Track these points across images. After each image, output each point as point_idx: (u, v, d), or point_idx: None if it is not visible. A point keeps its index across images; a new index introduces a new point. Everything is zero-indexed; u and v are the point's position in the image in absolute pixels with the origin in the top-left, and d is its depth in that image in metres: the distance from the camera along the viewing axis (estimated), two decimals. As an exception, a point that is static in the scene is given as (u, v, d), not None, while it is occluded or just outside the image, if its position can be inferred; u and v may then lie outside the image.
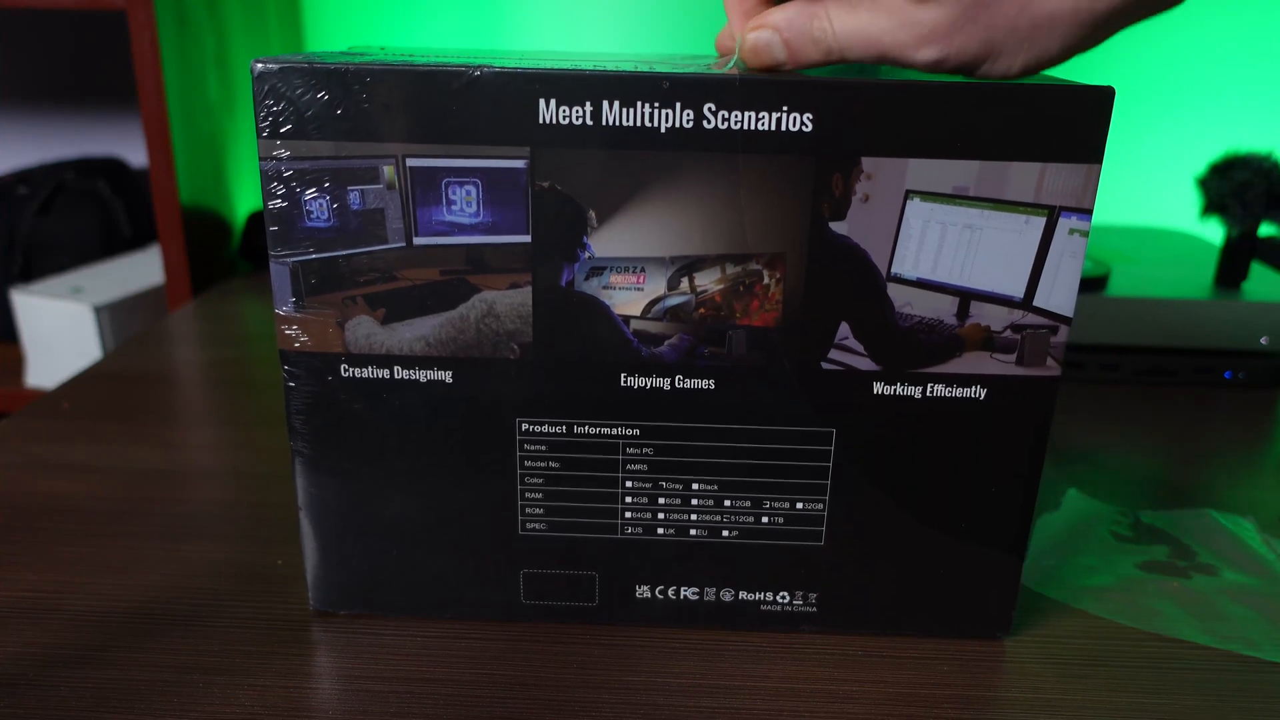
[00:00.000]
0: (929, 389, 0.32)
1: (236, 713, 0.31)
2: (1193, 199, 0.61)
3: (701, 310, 0.31)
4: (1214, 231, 0.69)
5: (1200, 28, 0.82)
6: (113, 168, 0.97)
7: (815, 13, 0.29)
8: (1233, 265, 0.61)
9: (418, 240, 0.30)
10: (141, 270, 0.89)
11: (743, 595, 0.35)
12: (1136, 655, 0.35)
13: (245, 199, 0.87)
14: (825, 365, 0.32)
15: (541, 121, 0.29)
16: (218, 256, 0.83)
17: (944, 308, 0.31)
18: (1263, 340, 0.60)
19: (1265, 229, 0.60)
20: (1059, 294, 0.31)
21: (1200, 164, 0.61)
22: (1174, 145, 0.85)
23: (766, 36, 0.30)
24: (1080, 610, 0.38)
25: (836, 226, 0.30)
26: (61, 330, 0.83)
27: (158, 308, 0.87)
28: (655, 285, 0.31)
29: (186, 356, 0.65)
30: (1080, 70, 0.32)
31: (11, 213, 0.91)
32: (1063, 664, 0.35)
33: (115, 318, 0.83)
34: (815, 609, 0.35)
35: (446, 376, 0.32)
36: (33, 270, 0.91)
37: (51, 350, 0.84)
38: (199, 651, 0.34)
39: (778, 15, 0.30)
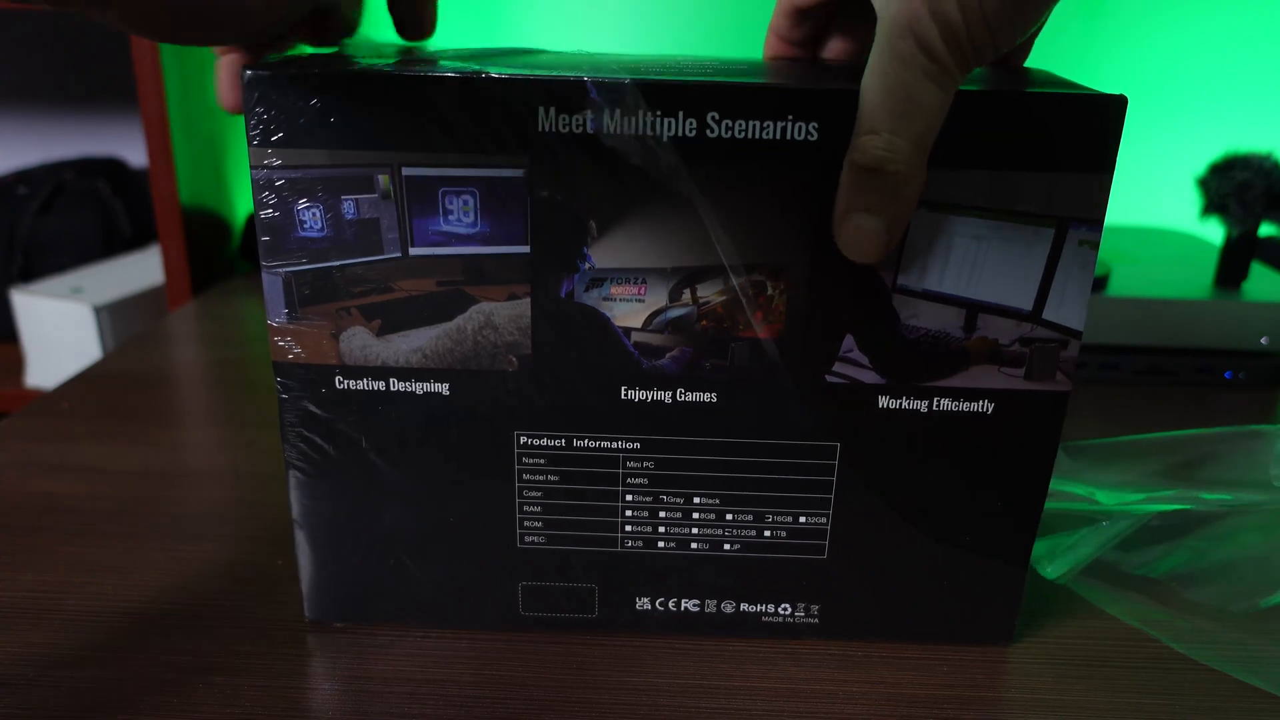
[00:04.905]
0: (935, 403, 0.32)
1: (236, 713, 0.31)
2: (1193, 199, 0.61)
3: (703, 322, 0.31)
4: (1214, 231, 0.69)
5: (1200, 28, 0.82)
6: (113, 168, 0.97)
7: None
8: (1233, 265, 0.61)
9: (414, 251, 0.30)
10: (141, 270, 0.90)
11: (744, 607, 0.35)
12: (1136, 655, 0.35)
13: (245, 199, 0.87)
14: (829, 378, 0.31)
15: (540, 129, 0.28)
16: (218, 256, 0.83)
17: (951, 320, 0.31)
18: (1263, 340, 0.60)
19: (1265, 229, 0.60)
20: (1069, 307, 0.30)
21: (1200, 164, 0.61)
22: (1174, 145, 0.84)
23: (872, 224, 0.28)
24: (1080, 610, 0.38)
25: (840, 237, 0.30)
26: (61, 330, 0.83)
27: (158, 308, 0.87)
28: (657, 296, 0.31)
29: (186, 356, 0.65)
30: (1079, 70, 0.31)
31: (11, 213, 0.91)
32: (1063, 664, 0.35)
33: (115, 318, 0.83)
34: (817, 620, 0.35)
35: (444, 389, 0.32)
36: (33, 270, 0.91)
37: (51, 350, 0.85)
38: (199, 652, 0.34)
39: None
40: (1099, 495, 0.42)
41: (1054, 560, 0.39)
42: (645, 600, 0.35)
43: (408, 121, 0.28)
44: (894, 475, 0.33)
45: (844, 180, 0.27)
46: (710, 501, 0.33)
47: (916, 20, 0.24)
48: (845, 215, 0.28)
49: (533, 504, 0.34)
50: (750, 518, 0.34)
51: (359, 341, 0.31)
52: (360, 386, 0.32)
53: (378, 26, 0.36)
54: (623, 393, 0.32)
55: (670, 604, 0.35)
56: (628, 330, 0.31)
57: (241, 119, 0.29)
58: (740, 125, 0.28)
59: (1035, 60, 0.34)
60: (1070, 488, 0.42)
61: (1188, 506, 0.41)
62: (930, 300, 0.30)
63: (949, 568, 0.34)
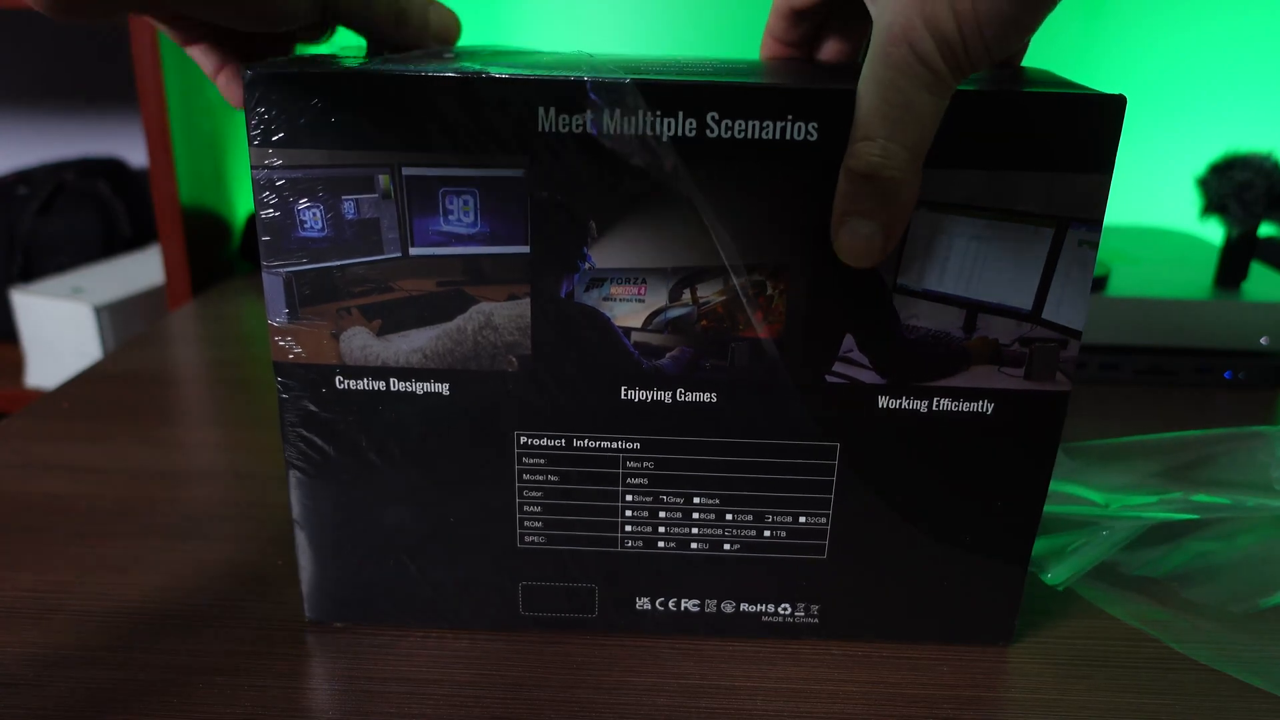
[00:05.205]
0: (935, 403, 0.32)
1: (236, 713, 0.31)
2: (1193, 199, 0.61)
3: (703, 322, 0.31)
4: (1214, 231, 0.69)
5: (1200, 28, 0.82)
6: (113, 168, 0.97)
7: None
8: (1233, 265, 0.61)
9: (414, 251, 0.30)
10: (141, 270, 0.90)
11: (744, 607, 0.35)
12: (1136, 655, 0.35)
13: (245, 199, 0.87)
14: (829, 378, 0.31)
15: (541, 130, 0.28)
16: (218, 256, 0.83)
17: (951, 320, 0.31)
18: (1263, 340, 0.60)
19: (1265, 229, 0.60)
20: (1069, 307, 0.30)
21: (1200, 164, 0.61)
22: (1174, 145, 0.84)
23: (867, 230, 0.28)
24: (1080, 610, 0.38)
25: (840, 237, 0.30)
26: (61, 330, 0.83)
27: (158, 308, 0.87)
28: (657, 296, 0.31)
29: (186, 356, 0.65)
30: (1079, 70, 0.31)
31: (11, 213, 0.91)
32: (1063, 664, 0.35)
33: (115, 318, 0.83)
34: (817, 620, 0.35)
35: (444, 389, 0.32)
36: (33, 270, 0.91)
37: (51, 350, 0.85)
38: (199, 652, 0.34)
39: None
40: (1099, 497, 0.42)
41: (1055, 566, 0.39)
42: (645, 600, 0.35)
43: (408, 121, 0.28)
44: (894, 475, 0.33)
45: (840, 186, 0.27)
46: (710, 502, 0.33)
47: (911, 29, 0.25)
48: (842, 220, 0.28)
49: (533, 504, 0.34)
50: (750, 518, 0.34)
51: (359, 341, 0.31)
52: (360, 386, 0.32)
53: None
54: (623, 393, 0.32)
55: (670, 604, 0.35)
56: (628, 330, 0.31)
57: (242, 118, 0.29)
58: (740, 125, 0.28)
59: (1036, 60, 0.34)
60: (1070, 489, 0.42)
61: (1190, 516, 0.41)
62: (930, 300, 0.30)
63: (949, 568, 0.34)
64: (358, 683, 0.33)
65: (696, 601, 0.35)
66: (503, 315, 0.31)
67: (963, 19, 0.24)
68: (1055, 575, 0.39)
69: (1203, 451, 0.44)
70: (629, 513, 0.34)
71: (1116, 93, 0.28)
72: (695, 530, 0.34)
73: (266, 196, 0.29)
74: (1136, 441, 0.45)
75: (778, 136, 0.28)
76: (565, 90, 0.28)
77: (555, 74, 0.28)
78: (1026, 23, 0.25)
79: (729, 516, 0.34)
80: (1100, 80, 0.29)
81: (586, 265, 0.30)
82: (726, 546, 0.34)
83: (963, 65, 0.25)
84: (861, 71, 0.26)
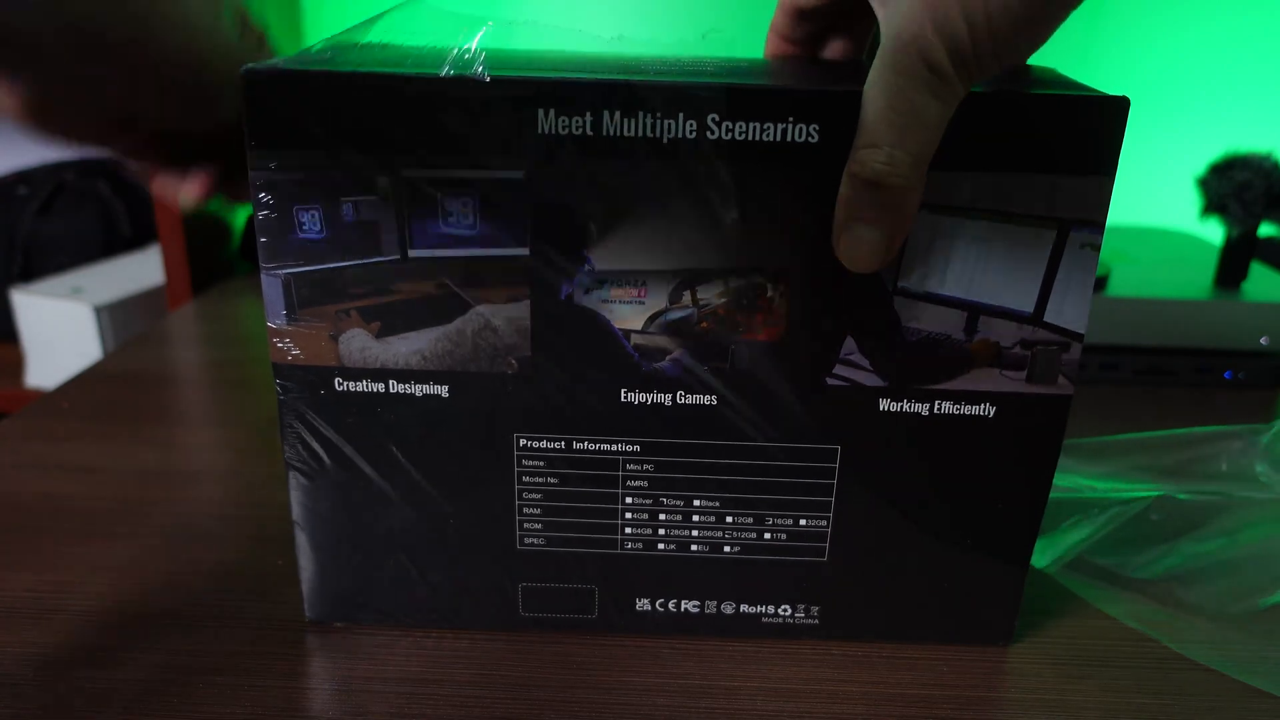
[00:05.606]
0: (936, 406, 0.32)
1: (237, 713, 0.31)
2: (1193, 199, 0.61)
3: (704, 324, 0.31)
4: (1214, 231, 0.69)
5: (1200, 28, 0.82)
6: (113, 168, 0.97)
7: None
8: (1233, 265, 0.61)
9: (413, 253, 0.30)
10: (141, 270, 0.90)
11: (744, 608, 0.35)
12: (1136, 655, 0.35)
13: (245, 198, 0.87)
14: (830, 381, 0.31)
15: (540, 132, 0.28)
16: (218, 256, 0.83)
17: (952, 322, 0.30)
18: (1263, 340, 0.60)
19: (1265, 229, 0.60)
20: (1070, 310, 0.30)
21: (1200, 164, 0.61)
22: (1174, 145, 0.84)
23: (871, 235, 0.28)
24: (1080, 610, 0.38)
25: (840, 238, 0.30)
26: (61, 330, 0.83)
27: (158, 308, 0.87)
28: (657, 299, 0.30)
29: (186, 356, 0.65)
30: (1080, 70, 0.31)
31: (11, 213, 0.91)
32: (1063, 664, 0.35)
33: (115, 318, 0.83)
34: (817, 621, 0.35)
35: (443, 391, 0.32)
36: (33, 270, 0.91)
37: (51, 350, 0.85)
38: (199, 652, 0.34)
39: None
40: (1085, 483, 0.42)
41: (1042, 551, 0.39)
42: (645, 601, 0.35)
43: (407, 123, 0.28)
44: (895, 478, 0.33)
45: (843, 192, 0.27)
46: (710, 504, 0.33)
47: (922, 35, 0.24)
48: (844, 226, 0.28)
49: (532, 506, 0.34)
50: (750, 520, 0.34)
51: (358, 343, 0.31)
52: (360, 388, 0.32)
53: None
54: (622, 395, 0.32)
55: (670, 605, 0.35)
56: (627, 332, 0.31)
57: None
58: (741, 127, 0.28)
59: (1035, 59, 0.34)
60: (1059, 480, 0.42)
61: (1178, 495, 0.41)
62: (931, 303, 0.30)
63: (949, 569, 0.34)
64: (358, 683, 0.33)
65: (696, 602, 0.35)
66: (502, 317, 0.31)
67: (974, 26, 0.24)
68: (1041, 559, 0.39)
69: (1190, 447, 0.44)
70: (629, 515, 0.34)
71: (1119, 94, 0.28)
72: (695, 532, 0.34)
73: (265, 198, 0.29)
74: (1125, 439, 0.45)
75: (779, 139, 0.28)
76: (565, 91, 0.28)
77: (555, 75, 0.28)
78: (1038, 31, 0.25)
79: (729, 519, 0.34)
80: (1100, 80, 0.29)
81: (586, 267, 0.30)
82: (726, 548, 0.34)
83: (972, 72, 0.25)
84: (868, 76, 0.26)
